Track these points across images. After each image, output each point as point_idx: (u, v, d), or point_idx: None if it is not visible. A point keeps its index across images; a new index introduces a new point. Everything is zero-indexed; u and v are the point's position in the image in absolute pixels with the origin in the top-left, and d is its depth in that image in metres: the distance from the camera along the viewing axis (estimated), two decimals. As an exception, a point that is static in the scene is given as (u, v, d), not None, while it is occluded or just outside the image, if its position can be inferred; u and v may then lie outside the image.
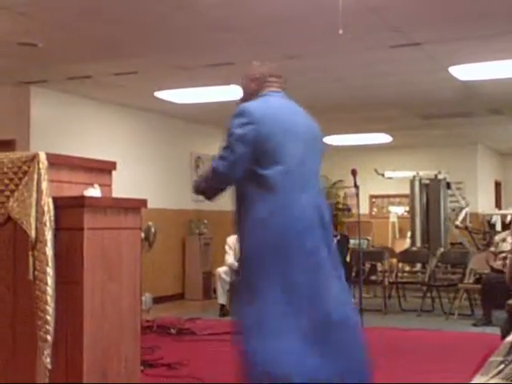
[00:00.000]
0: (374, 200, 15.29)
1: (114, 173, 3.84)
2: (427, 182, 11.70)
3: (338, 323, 3.44)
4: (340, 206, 14.90)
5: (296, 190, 3.48)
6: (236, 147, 3.52)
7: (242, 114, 3.61)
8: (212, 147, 12.77)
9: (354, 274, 9.28)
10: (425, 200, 11.60)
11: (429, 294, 9.12)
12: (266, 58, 7.09)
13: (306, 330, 3.34)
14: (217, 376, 4.89)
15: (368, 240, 12.64)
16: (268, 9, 5.76)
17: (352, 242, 10.22)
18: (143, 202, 3.79)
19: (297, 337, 3.32)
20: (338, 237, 9.49)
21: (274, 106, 3.77)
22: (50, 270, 3.09)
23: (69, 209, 3.24)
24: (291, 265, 3.37)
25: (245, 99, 3.91)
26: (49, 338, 3.10)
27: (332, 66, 7.68)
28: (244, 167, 3.49)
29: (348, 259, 9.48)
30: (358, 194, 8.10)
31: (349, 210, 14.57)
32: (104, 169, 3.78)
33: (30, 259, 3.13)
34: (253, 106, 3.67)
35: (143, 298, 6.83)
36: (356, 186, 8.05)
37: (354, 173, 8.04)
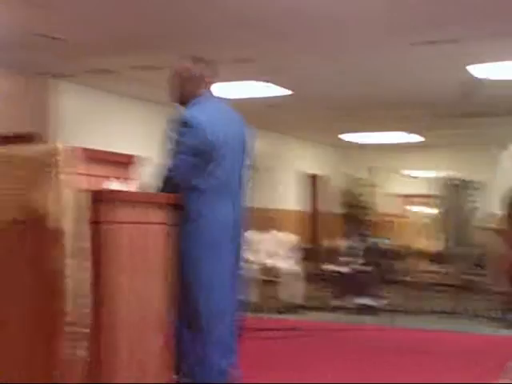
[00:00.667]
0: (396, 199, 15.19)
1: (138, 167, 3.84)
2: (451, 182, 11.62)
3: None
4: (361, 205, 14.84)
5: (221, 199, 3.91)
6: (187, 156, 3.85)
7: (190, 125, 3.88)
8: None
9: (376, 274, 9.20)
10: (449, 200, 11.52)
11: (454, 295, 8.99)
12: (288, 54, 7.13)
13: None
14: (249, 369, 4.84)
15: (389, 239, 12.55)
16: (292, 4, 5.71)
17: (373, 241, 10.13)
18: (168, 198, 3.76)
19: None
20: (368, 236, 9.42)
21: (215, 116, 4.01)
22: (74, 262, 3.08)
23: (93, 202, 3.20)
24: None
25: (179, 100, 4.16)
26: (72, 329, 3.08)
27: (354, 62, 7.63)
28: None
29: (372, 259, 9.41)
30: (379, 193, 8.03)
31: (370, 208, 14.50)
32: (126, 162, 3.77)
33: (54, 252, 3.11)
34: (198, 118, 3.90)
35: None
36: (376, 185, 7.99)
37: (373, 171, 7.97)
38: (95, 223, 3.18)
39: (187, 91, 4.12)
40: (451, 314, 8.63)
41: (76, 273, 3.11)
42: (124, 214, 3.29)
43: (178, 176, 3.84)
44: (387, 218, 13.89)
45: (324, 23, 6.22)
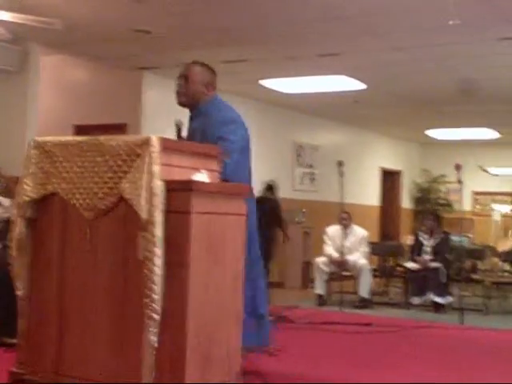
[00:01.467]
0: (477, 197, 14.91)
1: (220, 159, 3.89)
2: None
3: None
4: (441, 202, 14.63)
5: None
6: (238, 154, 4.16)
7: (238, 123, 4.30)
8: (314, 136, 12.88)
9: (454, 272, 9.10)
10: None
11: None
12: (374, 49, 7.12)
13: None
14: (313, 364, 4.89)
15: (469, 237, 12.35)
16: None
17: (452, 239, 9.98)
18: (248, 189, 3.84)
19: None
20: (441, 233, 9.30)
21: None
22: (158, 251, 3.15)
23: (177, 192, 3.28)
24: None
25: (187, 102, 4.39)
26: (155, 316, 3.17)
27: (439, 58, 7.54)
28: None
29: (448, 256, 9.29)
30: (461, 190, 7.92)
31: (450, 205, 14.29)
32: (211, 154, 3.80)
33: (140, 239, 3.20)
34: (240, 116, 4.35)
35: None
36: (459, 182, 7.88)
37: (457, 168, 7.86)
38: (173, 213, 3.25)
39: (203, 94, 4.37)
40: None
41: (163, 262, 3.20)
42: (202, 204, 3.34)
43: (230, 173, 3.93)
44: (467, 216, 13.68)
45: (410, 19, 6.19)
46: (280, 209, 9.72)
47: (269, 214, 8.88)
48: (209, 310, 3.39)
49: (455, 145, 14.25)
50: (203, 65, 4.51)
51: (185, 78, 4.42)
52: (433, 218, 9.49)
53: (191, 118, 4.49)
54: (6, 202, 5.71)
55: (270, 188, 9.77)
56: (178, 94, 4.43)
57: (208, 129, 4.29)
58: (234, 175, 3.98)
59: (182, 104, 4.46)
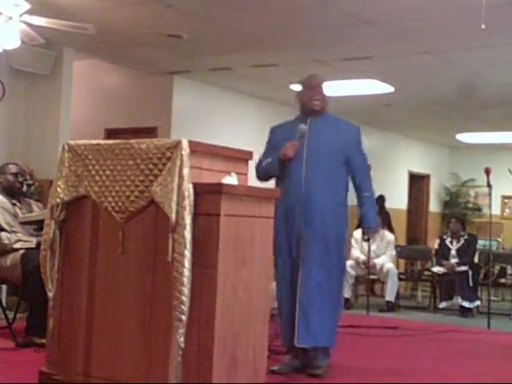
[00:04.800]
0: (506, 201, 14.80)
1: (250, 162, 3.95)
2: None
3: None
4: (470, 206, 14.55)
5: None
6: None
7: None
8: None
9: (482, 276, 9.07)
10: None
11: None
12: (403, 53, 7.14)
13: None
14: (335, 365, 4.92)
15: (498, 241, 12.27)
16: (407, 2, 5.72)
17: (481, 242, 9.95)
18: (277, 193, 3.89)
19: None
20: (466, 236, 9.28)
21: None
22: (187, 253, 3.21)
23: (207, 195, 3.34)
24: None
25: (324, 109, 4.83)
26: (183, 317, 3.21)
27: (469, 61, 7.52)
28: None
29: (476, 260, 9.27)
30: (490, 194, 7.91)
31: (479, 209, 14.21)
32: (241, 158, 3.86)
33: (170, 241, 3.26)
34: None
35: (272, 286, 6.95)
36: (489, 186, 7.86)
37: (487, 172, 7.84)
38: (203, 215, 3.32)
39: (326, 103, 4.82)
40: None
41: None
42: (231, 207, 3.39)
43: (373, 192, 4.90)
44: (496, 220, 13.59)
45: (439, 22, 6.18)
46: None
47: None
48: (236, 311, 3.43)
49: (484, 148, 14.16)
50: None
51: (321, 87, 4.86)
52: (456, 221, 9.46)
53: (303, 121, 4.78)
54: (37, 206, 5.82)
55: (380, 200, 9.96)
56: (320, 101, 4.79)
57: (338, 139, 4.74)
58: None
59: (317, 111, 4.79)
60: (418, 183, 14.59)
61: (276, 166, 4.65)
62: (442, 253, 9.27)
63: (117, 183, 3.54)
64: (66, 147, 3.78)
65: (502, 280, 9.70)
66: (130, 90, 8.97)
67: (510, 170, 11.62)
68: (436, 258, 9.50)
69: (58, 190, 3.73)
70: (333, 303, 4.68)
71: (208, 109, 9.12)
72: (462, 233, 9.29)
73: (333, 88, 9.05)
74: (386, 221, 9.93)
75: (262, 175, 4.79)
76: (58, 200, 3.72)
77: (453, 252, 9.11)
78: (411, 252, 10.70)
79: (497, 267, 9.84)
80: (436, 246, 10.03)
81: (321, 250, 4.61)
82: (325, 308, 4.60)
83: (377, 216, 5.44)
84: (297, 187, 4.59)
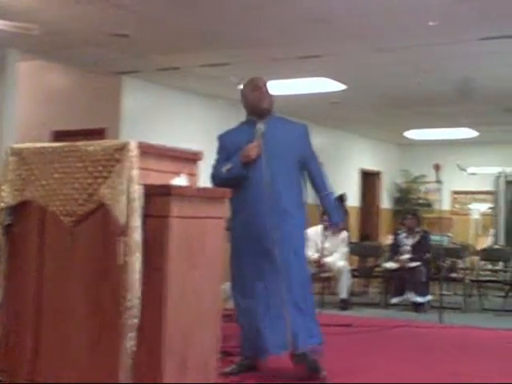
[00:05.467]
0: (455, 196, 15.02)
1: (199, 163, 3.92)
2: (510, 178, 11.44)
3: None
4: (420, 202, 14.73)
5: None
6: None
7: None
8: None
9: (433, 271, 9.17)
10: (509, 197, 11.35)
11: (511, 294, 8.93)
12: (355, 51, 7.17)
13: None
14: (290, 365, 4.91)
15: (449, 236, 12.44)
16: (358, 1, 5.75)
17: (432, 237, 10.07)
18: (227, 193, 3.86)
19: None
20: (420, 232, 9.38)
21: None
22: (138, 256, 3.18)
23: (157, 197, 3.30)
24: None
25: (270, 109, 4.72)
26: (134, 321, 3.18)
27: (419, 58, 7.60)
28: None
29: (428, 255, 9.37)
30: (440, 190, 8.00)
31: (429, 205, 14.39)
32: (190, 158, 3.83)
33: (120, 244, 3.22)
34: None
35: (223, 287, 6.90)
36: (438, 182, 7.95)
37: (436, 168, 7.93)
38: (152, 217, 3.28)
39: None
40: (505, 311, 8.57)
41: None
42: (181, 208, 3.35)
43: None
44: (447, 215, 13.78)
45: (390, 21, 6.23)
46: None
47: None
48: (187, 314, 3.40)
49: (434, 145, 14.36)
50: None
51: (267, 87, 4.75)
52: (412, 217, 9.55)
53: (253, 123, 4.70)
54: None
55: (340, 199, 9.96)
56: (268, 99, 4.71)
57: (291, 138, 4.69)
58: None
59: (267, 109, 4.71)
60: (369, 180, 14.72)
61: (239, 170, 4.53)
62: (396, 249, 9.35)
63: (64, 186, 3.48)
64: (9, 151, 3.71)
65: (453, 274, 9.82)
66: (78, 91, 8.86)
67: (458, 166, 11.80)
68: (389, 254, 9.57)
69: (3, 194, 3.66)
70: (311, 301, 4.69)
71: (157, 109, 9.06)
72: (418, 229, 9.38)
73: (285, 86, 9.07)
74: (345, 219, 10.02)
75: (222, 183, 4.58)
76: (3, 204, 3.66)
77: (408, 248, 9.19)
78: (363, 249, 10.77)
79: (448, 262, 9.97)
80: (389, 242, 10.12)
81: (293, 252, 4.59)
82: (310, 306, 4.62)
83: (341, 212, 5.43)
84: (259, 191, 4.52)
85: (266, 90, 4.73)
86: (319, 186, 4.82)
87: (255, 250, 4.50)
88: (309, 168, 4.76)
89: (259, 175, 4.53)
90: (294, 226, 4.63)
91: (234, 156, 4.56)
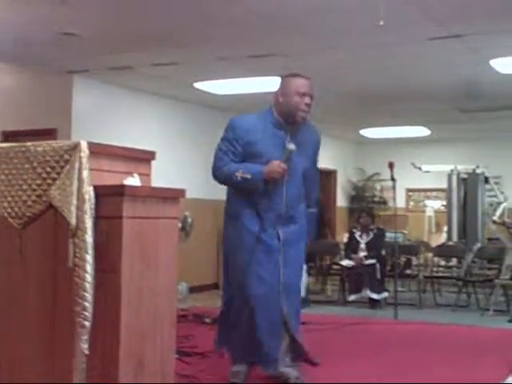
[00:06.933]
0: (410, 193, 15.19)
1: (152, 162, 3.88)
2: (465, 176, 11.58)
3: None
4: (376, 199, 14.86)
5: None
6: None
7: None
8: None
9: (389, 268, 9.26)
10: (462, 194, 11.48)
11: (464, 290, 9.07)
12: (308, 49, 7.18)
13: None
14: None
15: (404, 234, 12.57)
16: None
17: (387, 235, 10.17)
18: (181, 192, 3.82)
19: None
20: (375, 230, 9.46)
21: None
22: (89, 258, 3.13)
23: (108, 197, 3.26)
24: None
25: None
26: (87, 324, 3.14)
27: (372, 57, 7.64)
28: None
29: (383, 252, 9.46)
30: (394, 188, 8.08)
31: (385, 203, 14.54)
32: (143, 158, 3.79)
33: (71, 246, 3.16)
34: None
35: (179, 287, 6.89)
36: (393, 179, 8.03)
37: (390, 166, 8.02)
38: (104, 218, 3.24)
39: None
40: (459, 307, 8.69)
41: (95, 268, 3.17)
42: (134, 208, 3.31)
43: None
44: (402, 212, 13.91)
45: (340, 19, 6.25)
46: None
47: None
48: (142, 315, 3.36)
49: (388, 143, 14.49)
50: None
51: (311, 97, 4.49)
52: (366, 215, 9.64)
53: (280, 127, 4.46)
54: None
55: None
56: (306, 113, 4.46)
57: (308, 148, 4.59)
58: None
59: (300, 123, 4.49)
60: (325, 179, 14.79)
61: (258, 184, 4.29)
62: (352, 246, 9.41)
63: (12, 188, 3.41)
64: (-44, 152, 3.61)
65: (408, 271, 9.93)
66: (28, 91, 8.73)
67: (413, 164, 11.92)
68: (345, 252, 9.64)
69: (-51, 197, 3.56)
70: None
71: (110, 109, 8.97)
72: (372, 226, 9.46)
73: (236, 85, 9.06)
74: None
75: (228, 184, 4.46)
76: (-51, 207, 3.56)
77: (362, 246, 9.26)
78: (320, 247, 10.81)
79: (403, 259, 10.08)
80: (345, 239, 10.19)
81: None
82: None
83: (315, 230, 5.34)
84: (277, 209, 4.38)
85: (311, 98, 4.47)
86: (307, 200, 4.69)
87: (257, 252, 4.32)
88: (306, 176, 4.61)
89: (279, 193, 4.39)
90: (298, 231, 4.54)
91: (254, 164, 4.31)
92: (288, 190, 4.42)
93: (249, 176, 4.28)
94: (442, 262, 10.84)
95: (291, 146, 4.32)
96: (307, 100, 4.40)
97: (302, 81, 4.44)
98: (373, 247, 9.19)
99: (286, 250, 4.41)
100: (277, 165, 4.28)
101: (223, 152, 4.38)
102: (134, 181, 3.54)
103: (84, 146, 3.26)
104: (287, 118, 4.42)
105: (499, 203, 11.79)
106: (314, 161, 4.70)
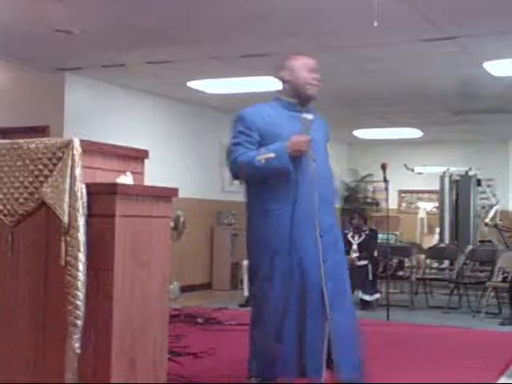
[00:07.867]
0: (402, 195, 15.22)
1: (145, 161, 3.86)
2: (457, 178, 11.62)
3: None
4: (368, 201, 14.88)
5: None
6: None
7: None
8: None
9: (381, 269, 9.26)
10: (454, 196, 11.52)
11: (456, 292, 9.08)
12: (301, 49, 7.17)
13: None
14: (240, 366, 4.89)
15: (396, 235, 12.59)
16: (303, 0, 5.76)
17: (379, 236, 10.18)
18: (174, 191, 3.81)
19: None
20: (367, 231, 9.46)
21: None
22: (81, 256, 3.10)
23: (101, 195, 3.24)
24: None
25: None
26: (78, 323, 3.11)
27: (365, 58, 7.65)
28: None
29: (375, 254, 9.46)
30: (387, 189, 8.08)
31: (377, 204, 14.55)
32: (136, 157, 3.77)
33: (63, 245, 3.14)
34: None
35: (171, 287, 6.84)
36: (385, 181, 8.03)
37: (383, 167, 8.02)
38: (97, 216, 3.22)
39: None
40: (451, 309, 8.71)
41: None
42: (127, 207, 3.29)
43: None
44: (394, 214, 13.93)
45: (334, 20, 6.26)
46: None
47: None
48: (134, 314, 3.34)
49: (381, 144, 14.51)
50: None
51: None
52: (358, 216, 9.64)
53: (294, 107, 4.14)
54: None
55: None
56: (317, 86, 4.18)
57: (324, 134, 4.32)
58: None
59: (314, 99, 4.21)
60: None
61: (285, 162, 3.83)
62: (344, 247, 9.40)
63: (4, 185, 3.38)
64: None
65: (400, 273, 9.94)
66: (20, 88, 8.69)
67: (406, 166, 11.94)
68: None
69: None
70: None
71: (102, 107, 8.96)
72: (364, 227, 9.46)
73: (231, 85, 9.05)
74: None
75: (252, 174, 3.98)
76: None
77: (354, 247, 9.26)
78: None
79: (395, 260, 10.08)
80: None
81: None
82: None
83: None
84: (309, 193, 3.95)
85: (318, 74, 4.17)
86: None
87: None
88: None
89: (307, 173, 3.97)
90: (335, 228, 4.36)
91: (272, 144, 3.90)
92: (317, 168, 4.07)
93: (272, 155, 3.84)
94: (434, 264, 10.86)
95: (309, 116, 4.01)
96: (316, 75, 4.15)
97: (308, 58, 4.21)
98: (365, 248, 9.19)
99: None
100: (299, 136, 3.90)
101: (237, 144, 4.02)
102: (126, 179, 3.52)
103: (77, 143, 3.24)
104: (299, 96, 4.14)
105: (491, 205, 11.85)
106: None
